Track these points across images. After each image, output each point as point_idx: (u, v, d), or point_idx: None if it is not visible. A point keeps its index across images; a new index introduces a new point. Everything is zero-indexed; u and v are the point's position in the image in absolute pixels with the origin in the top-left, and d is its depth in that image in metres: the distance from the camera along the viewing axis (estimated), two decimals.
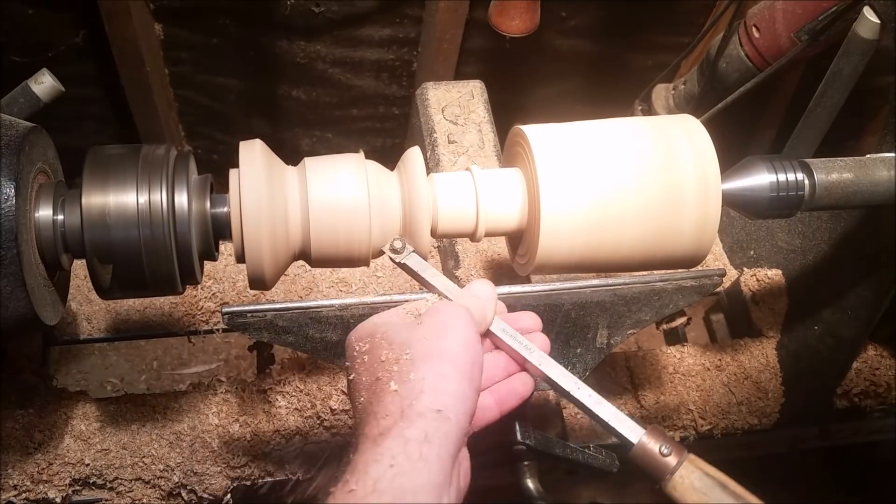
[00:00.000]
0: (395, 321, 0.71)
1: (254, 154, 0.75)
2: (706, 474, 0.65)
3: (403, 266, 0.76)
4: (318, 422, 1.08)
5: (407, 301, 0.75)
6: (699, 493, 0.65)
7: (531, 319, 0.76)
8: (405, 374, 0.64)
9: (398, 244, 0.76)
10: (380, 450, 0.59)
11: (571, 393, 0.70)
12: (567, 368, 0.84)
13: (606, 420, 0.68)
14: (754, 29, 1.34)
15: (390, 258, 0.77)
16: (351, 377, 0.69)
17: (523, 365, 0.73)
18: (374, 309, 0.75)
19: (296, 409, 1.08)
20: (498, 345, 0.73)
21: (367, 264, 0.80)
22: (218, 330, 1.18)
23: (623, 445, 0.68)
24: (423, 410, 0.61)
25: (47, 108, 0.92)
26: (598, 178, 0.77)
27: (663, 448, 0.66)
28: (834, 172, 0.85)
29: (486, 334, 0.72)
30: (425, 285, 0.75)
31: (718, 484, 0.65)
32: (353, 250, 0.78)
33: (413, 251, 0.76)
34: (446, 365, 0.64)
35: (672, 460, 0.66)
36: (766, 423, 1.26)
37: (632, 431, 0.67)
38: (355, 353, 0.69)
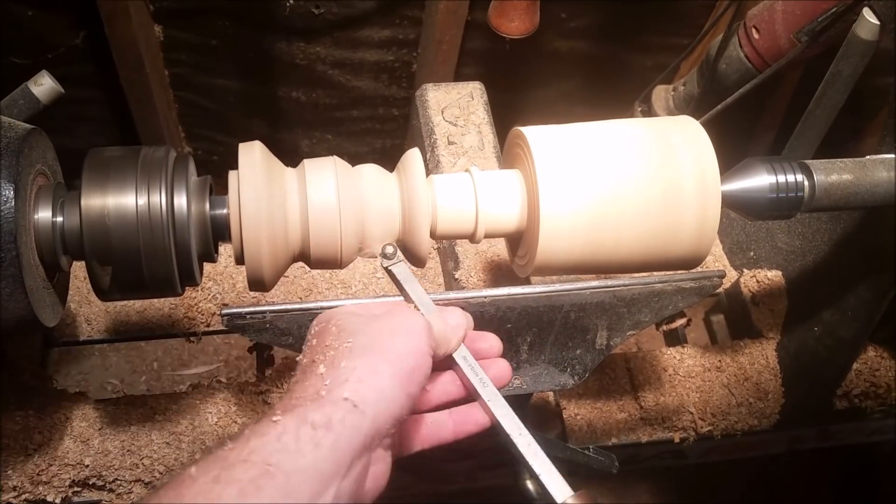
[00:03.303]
0: (356, 311, 0.70)
1: (253, 156, 0.75)
2: None
3: (389, 272, 0.76)
4: None
5: (395, 301, 0.75)
6: None
7: (492, 341, 0.75)
8: (338, 360, 0.62)
9: (389, 249, 0.76)
10: (273, 425, 0.57)
11: (511, 437, 0.68)
12: (566, 370, 0.85)
13: (538, 473, 0.66)
14: (754, 30, 1.34)
15: (380, 263, 0.77)
16: (297, 358, 0.68)
17: (474, 397, 0.72)
18: None
19: None
20: (457, 373, 0.72)
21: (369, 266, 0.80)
22: (218, 332, 1.18)
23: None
24: (337, 399, 0.59)
25: (47, 110, 0.92)
26: (597, 179, 0.77)
27: None
28: (834, 174, 0.85)
29: (448, 360, 0.71)
30: (404, 296, 0.75)
31: None
32: (353, 252, 0.78)
33: (402, 260, 0.76)
34: (383, 362, 0.62)
35: None
36: (766, 424, 1.26)
37: (559, 491, 0.65)
38: (309, 336, 0.68)
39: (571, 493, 0.65)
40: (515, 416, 0.69)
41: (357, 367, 0.62)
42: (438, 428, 0.73)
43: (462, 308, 0.76)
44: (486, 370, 0.72)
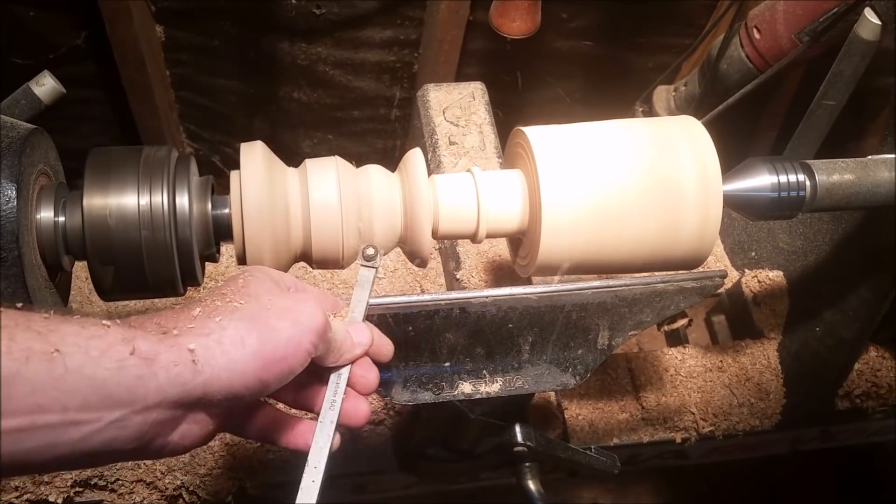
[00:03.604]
0: (276, 278, 0.67)
1: (255, 155, 0.75)
2: None
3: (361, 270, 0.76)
4: None
5: (396, 304, 0.74)
6: None
7: (372, 377, 0.70)
8: (216, 314, 0.59)
9: (370, 252, 0.76)
10: (99, 326, 0.53)
11: (307, 465, 0.63)
12: (568, 370, 0.84)
13: None
14: (755, 30, 1.34)
15: (360, 263, 0.76)
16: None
17: (313, 414, 0.68)
18: (375, 310, 0.75)
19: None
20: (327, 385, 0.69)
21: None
22: None
23: None
24: (182, 344, 0.55)
25: (49, 110, 0.92)
26: (598, 178, 0.77)
27: None
28: (835, 174, 0.85)
29: (330, 370, 0.68)
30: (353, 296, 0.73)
31: None
32: (354, 252, 0.78)
33: (375, 267, 0.75)
34: (254, 337, 0.58)
35: None
36: (768, 424, 1.26)
37: None
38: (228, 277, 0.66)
39: None
40: (326, 454, 0.64)
41: (227, 329, 0.58)
42: (274, 426, 0.69)
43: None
44: (345, 400, 0.67)
